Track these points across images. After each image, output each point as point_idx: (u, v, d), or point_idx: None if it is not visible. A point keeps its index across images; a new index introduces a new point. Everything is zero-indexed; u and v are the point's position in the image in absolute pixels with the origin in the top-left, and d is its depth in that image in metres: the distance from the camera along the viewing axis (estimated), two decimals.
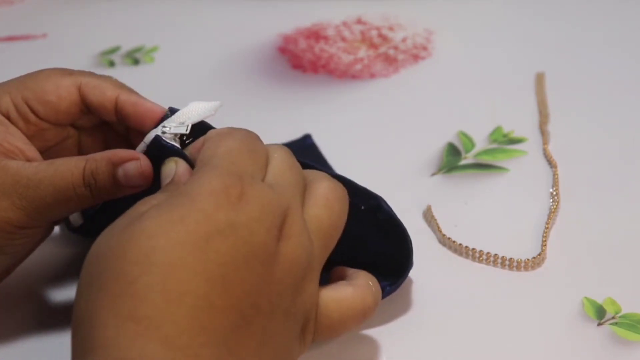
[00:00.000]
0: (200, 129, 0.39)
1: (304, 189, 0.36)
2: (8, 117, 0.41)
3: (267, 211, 0.32)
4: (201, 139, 0.37)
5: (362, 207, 0.41)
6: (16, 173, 0.38)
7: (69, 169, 0.39)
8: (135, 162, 0.39)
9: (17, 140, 0.40)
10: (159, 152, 0.38)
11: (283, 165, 0.36)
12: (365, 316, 0.37)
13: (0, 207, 0.38)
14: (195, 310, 0.30)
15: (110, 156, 0.39)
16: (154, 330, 0.29)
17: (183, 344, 0.29)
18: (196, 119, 0.40)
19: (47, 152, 0.43)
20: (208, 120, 0.41)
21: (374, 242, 0.42)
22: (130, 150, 0.40)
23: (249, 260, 0.31)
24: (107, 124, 0.44)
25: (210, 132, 0.37)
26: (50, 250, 0.49)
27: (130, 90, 0.43)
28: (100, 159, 0.39)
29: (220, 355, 0.30)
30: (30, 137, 0.42)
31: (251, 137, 0.36)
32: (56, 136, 0.43)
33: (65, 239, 0.50)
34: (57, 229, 0.49)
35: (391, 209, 0.42)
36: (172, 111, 0.41)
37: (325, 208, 0.35)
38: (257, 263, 0.31)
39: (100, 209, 0.42)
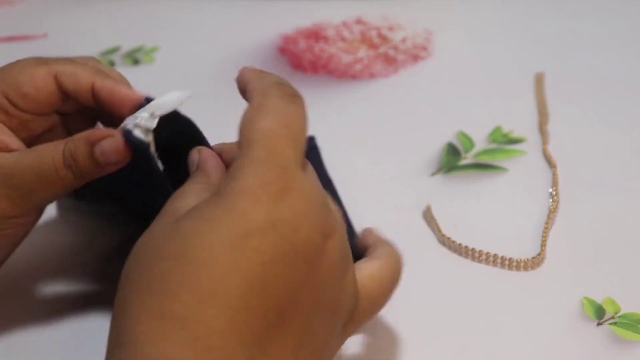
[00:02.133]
0: (174, 118, 0.39)
1: None
2: None
3: (311, 205, 0.31)
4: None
5: None
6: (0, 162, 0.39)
7: (49, 153, 0.39)
8: (110, 138, 0.38)
9: (1, 132, 0.40)
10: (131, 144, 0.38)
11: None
12: (398, 283, 0.37)
13: None
14: (228, 311, 0.29)
15: (87, 136, 0.39)
16: (183, 329, 0.28)
17: (212, 345, 0.28)
18: (167, 110, 0.39)
19: (36, 142, 0.42)
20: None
21: None
22: (106, 128, 0.40)
23: (291, 258, 0.30)
24: (91, 107, 0.44)
25: (246, 113, 0.34)
26: (40, 242, 0.49)
27: (106, 76, 0.42)
28: (78, 140, 0.39)
29: (253, 357, 0.29)
30: (14, 129, 0.41)
31: (292, 109, 0.33)
32: (41, 125, 0.43)
33: (54, 233, 0.50)
34: (45, 221, 0.49)
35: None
36: (148, 100, 0.40)
37: None
38: (300, 261, 0.30)
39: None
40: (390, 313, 0.42)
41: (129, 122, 0.39)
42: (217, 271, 0.29)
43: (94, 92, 0.41)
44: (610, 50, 0.67)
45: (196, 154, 0.37)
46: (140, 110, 0.39)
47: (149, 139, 0.38)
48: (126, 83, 0.43)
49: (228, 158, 0.36)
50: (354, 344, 0.41)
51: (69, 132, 0.44)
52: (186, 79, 0.68)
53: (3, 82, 0.41)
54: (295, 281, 0.30)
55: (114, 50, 0.73)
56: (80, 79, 0.42)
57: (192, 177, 0.36)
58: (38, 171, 0.38)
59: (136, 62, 0.71)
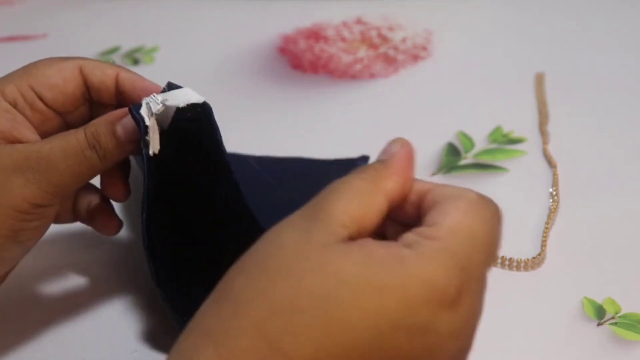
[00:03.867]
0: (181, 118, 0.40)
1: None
2: (15, 106, 0.41)
3: (467, 329, 0.29)
4: (434, 189, 0.32)
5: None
6: (25, 149, 0.39)
7: (74, 136, 0.39)
8: (130, 116, 0.39)
9: (25, 129, 0.41)
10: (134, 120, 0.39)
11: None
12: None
13: (15, 185, 0.38)
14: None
15: (107, 116, 0.40)
16: (275, 347, 0.27)
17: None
18: (176, 103, 0.40)
19: None
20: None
21: None
22: (124, 108, 0.41)
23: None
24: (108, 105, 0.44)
25: (455, 193, 0.31)
26: (43, 243, 0.49)
27: (129, 70, 0.43)
28: (98, 122, 0.40)
29: None
30: (36, 127, 0.42)
31: (499, 223, 0.31)
32: (61, 125, 0.43)
33: (57, 234, 0.50)
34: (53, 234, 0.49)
35: None
36: (170, 86, 0.41)
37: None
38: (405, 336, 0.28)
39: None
40: None
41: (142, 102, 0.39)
42: (346, 337, 0.27)
43: (118, 83, 0.42)
44: (610, 50, 0.67)
45: (392, 142, 0.33)
46: (154, 94, 0.40)
47: (150, 122, 0.39)
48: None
49: (428, 199, 0.32)
50: None
51: None
52: (186, 79, 0.68)
53: (31, 75, 0.41)
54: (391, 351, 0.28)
55: (114, 50, 0.73)
56: (106, 70, 0.42)
57: (364, 169, 0.32)
58: (65, 152, 0.39)
59: (136, 62, 0.71)
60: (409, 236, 0.29)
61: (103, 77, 0.42)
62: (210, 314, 0.29)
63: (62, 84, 0.42)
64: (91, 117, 0.43)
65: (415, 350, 0.28)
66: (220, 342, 0.28)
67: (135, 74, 0.43)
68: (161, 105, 0.39)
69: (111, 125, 0.40)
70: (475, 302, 0.29)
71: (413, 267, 0.28)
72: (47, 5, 0.83)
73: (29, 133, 0.40)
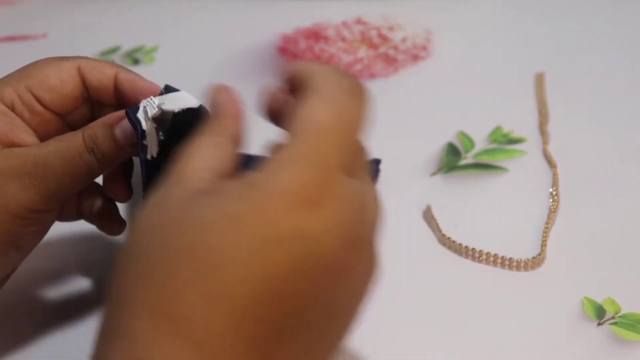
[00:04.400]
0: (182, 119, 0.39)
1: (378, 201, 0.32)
2: (12, 109, 0.40)
3: (346, 218, 0.29)
4: (297, 73, 0.32)
5: None
6: (22, 153, 0.38)
7: (71, 139, 0.39)
8: (140, 81, 0.40)
9: (22, 132, 0.40)
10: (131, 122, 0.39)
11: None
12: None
13: (12, 190, 0.37)
14: (234, 318, 0.27)
15: (105, 119, 0.39)
16: (186, 331, 0.27)
17: (213, 351, 0.27)
18: (173, 107, 0.39)
19: None
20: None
21: None
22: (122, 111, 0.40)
23: (313, 272, 0.28)
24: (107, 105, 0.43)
25: (310, 75, 0.31)
26: (51, 252, 0.49)
27: (128, 70, 0.43)
28: (95, 124, 0.39)
29: None
30: (34, 129, 0.41)
31: (351, 99, 0.30)
32: (59, 128, 0.42)
33: (63, 242, 0.50)
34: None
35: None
36: (167, 89, 0.41)
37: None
38: (322, 275, 0.29)
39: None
40: (389, 312, 0.42)
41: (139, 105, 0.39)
42: (229, 276, 0.27)
43: (116, 83, 0.42)
44: (610, 50, 0.67)
45: (214, 94, 0.34)
46: (152, 97, 0.40)
47: (146, 126, 0.38)
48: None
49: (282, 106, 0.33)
50: (353, 344, 0.41)
51: None
52: (186, 79, 0.68)
53: (29, 77, 0.41)
54: (314, 296, 0.29)
55: (114, 50, 0.73)
56: (105, 70, 0.42)
57: (206, 126, 0.33)
58: (63, 156, 0.38)
59: (136, 62, 0.71)
60: (263, 159, 0.30)
61: (101, 77, 0.42)
62: (106, 318, 0.29)
63: (60, 85, 0.41)
64: (92, 118, 0.43)
65: (298, 258, 0.28)
66: (119, 333, 0.28)
67: (134, 74, 0.42)
68: (157, 109, 0.39)
69: (109, 128, 0.39)
70: (343, 194, 0.29)
71: (264, 183, 0.28)
72: (47, 5, 0.83)
73: (27, 136, 0.40)
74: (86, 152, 0.38)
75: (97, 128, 0.39)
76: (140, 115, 0.38)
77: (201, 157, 0.31)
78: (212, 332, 0.27)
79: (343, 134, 0.30)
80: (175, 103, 0.39)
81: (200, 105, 0.40)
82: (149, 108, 0.38)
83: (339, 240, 0.29)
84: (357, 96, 0.31)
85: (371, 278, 0.32)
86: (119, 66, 0.43)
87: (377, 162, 0.55)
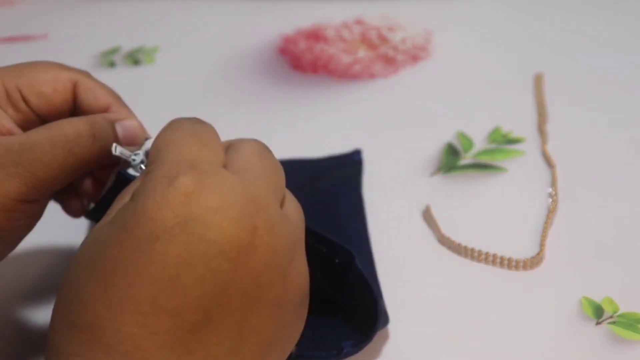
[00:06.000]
0: None
1: (283, 182, 0.34)
2: None
3: (231, 200, 0.30)
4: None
5: (337, 261, 0.40)
6: (6, 141, 0.36)
7: (64, 126, 0.37)
8: (130, 120, 0.40)
9: (5, 119, 0.39)
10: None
11: (252, 155, 0.33)
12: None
13: None
14: (139, 316, 0.29)
15: (104, 115, 0.40)
16: (97, 338, 0.29)
17: (126, 350, 0.29)
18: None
19: None
20: None
21: (344, 297, 0.41)
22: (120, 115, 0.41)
23: (210, 257, 0.29)
24: None
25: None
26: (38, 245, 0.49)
27: (122, 104, 0.42)
28: (95, 115, 0.39)
29: (178, 358, 0.29)
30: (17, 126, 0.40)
31: (199, 125, 0.34)
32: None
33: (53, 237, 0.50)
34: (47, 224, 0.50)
35: (362, 270, 0.39)
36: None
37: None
38: (221, 259, 0.29)
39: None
40: (390, 312, 0.42)
41: (126, 154, 0.38)
42: (124, 278, 0.29)
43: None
44: (609, 51, 0.67)
45: (150, 142, 0.36)
46: (136, 151, 0.39)
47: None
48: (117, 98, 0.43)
49: None
50: None
51: None
52: (186, 79, 0.68)
53: (23, 76, 0.40)
54: (218, 280, 0.30)
55: (114, 50, 0.73)
56: (99, 97, 0.41)
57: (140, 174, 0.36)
58: (52, 142, 0.36)
59: (136, 62, 0.71)
60: None
61: (93, 103, 0.41)
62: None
63: (50, 94, 0.40)
64: None
65: (191, 245, 0.29)
66: (49, 353, 0.30)
67: (127, 110, 0.42)
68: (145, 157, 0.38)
69: (111, 122, 0.39)
70: (218, 178, 0.30)
71: (139, 189, 0.31)
72: (47, 5, 0.83)
73: (10, 125, 0.38)
74: (85, 136, 0.37)
75: (97, 117, 0.39)
76: (131, 172, 0.38)
77: (126, 194, 0.33)
78: (123, 332, 0.29)
79: (199, 142, 0.33)
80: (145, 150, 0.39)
81: None
82: (137, 162, 0.38)
83: (232, 222, 0.30)
84: (200, 120, 0.35)
85: (291, 259, 0.32)
86: (114, 97, 0.42)
87: (358, 153, 0.55)
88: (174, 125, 0.34)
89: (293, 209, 0.34)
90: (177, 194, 0.29)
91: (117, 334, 0.29)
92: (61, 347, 0.29)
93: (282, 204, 0.34)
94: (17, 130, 0.39)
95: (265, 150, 0.35)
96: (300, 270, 0.33)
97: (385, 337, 0.42)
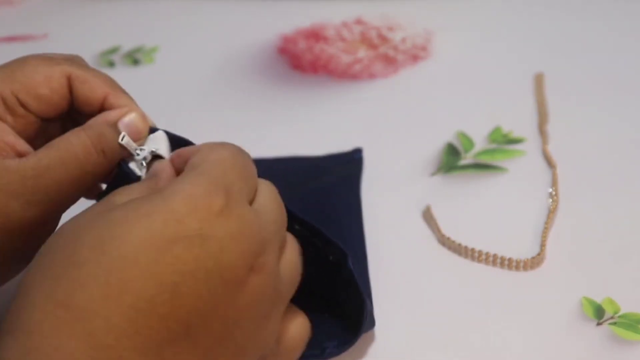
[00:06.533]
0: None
1: (284, 229, 0.34)
2: None
3: (246, 235, 0.31)
4: (188, 148, 0.36)
5: (330, 258, 0.40)
6: (20, 168, 0.36)
7: (72, 145, 0.37)
8: (131, 113, 0.39)
9: (7, 134, 0.38)
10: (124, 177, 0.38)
11: (271, 200, 0.34)
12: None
13: (13, 209, 0.35)
14: (132, 312, 0.28)
15: (105, 118, 0.39)
16: (83, 322, 0.27)
17: (107, 344, 0.28)
18: (159, 150, 0.39)
19: (32, 146, 0.40)
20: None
21: (333, 295, 0.41)
22: (116, 110, 0.40)
23: (211, 277, 0.29)
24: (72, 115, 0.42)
25: (202, 144, 0.35)
26: None
27: (120, 91, 0.41)
28: (97, 124, 0.38)
29: None
30: (18, 132, 0.39)
31: (245, 154, 0.34)
32: (41, 129, 0.40)
33: None
34: None
35: (353, 271, 0.39)
36: (152, 131, 0.40)
37: (298, 255, 0.35)
38: (219, 283, 0.30)
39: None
40: (389, 312, 0.42)
41: (132, 147, 0.38)
42: (131, 269, 0.28)
43: (105, 106, 0.40)
44: (610, 50, 0.67)
45: (156, 164, 0.37)
46: (139, 146, 0.39)
47: (142, 172, 0.38)
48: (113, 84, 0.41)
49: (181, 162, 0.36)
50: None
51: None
52: (185, 79, 0.68)
53: (14, 81, 0.39)
54: (210, 301, 0.30)
55: (114, 50, 0.73)
56: (95, 88, 0.40)
57: (142, 180, 0.36)
58: (65, 165, 0.36)
59: (136, 62, 0.71)
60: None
61: (91, 95, 0.40)
62: (6, 317, 0.29)
63: (48, 95, 0.39)
64: (70, 117, 0.41)
65: (202, 260, 0.29)
66: (14, 327, 0.28)
67: (126, 98, 0.41)
68: (149, 155, 0.38)
69: (114, 126, 0.38)
70: (244, 212, 0.31)
71: (172, 188, 0.30)
72: (47, 5, 0.83)
73: (12, 138, 0.38)
74: (95, 153, 0.37)
75: (101, 127, 0.38)
76: (133, 165, 0.38)
77: (129, 193, 0.33)
78: (112, 324, 0.28)
79: (240, 171, 0.33)
80: (160, 144, 0.39)
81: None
82: (140, 157, 0.38)
83: (240, 254, 0.30)
84: (239, 150, 0.34)
85: (271, 312, 0.32)
86: (110, 85, 0.41)
87: (358, 152, 0.55)
88: (226, 144, 0.34)
89: (289, 254, 0.34)
90: (210, 210, 0.30)
91: (105, 324, 0.28)
92: (37, 326, 0.28)
93: (281, 248, 0.34)
94: (20, 143, 0.38)
95: (279, 198, 0.35)
96: (272, 329, 0.33)
97: (385, 336, 0.42)
